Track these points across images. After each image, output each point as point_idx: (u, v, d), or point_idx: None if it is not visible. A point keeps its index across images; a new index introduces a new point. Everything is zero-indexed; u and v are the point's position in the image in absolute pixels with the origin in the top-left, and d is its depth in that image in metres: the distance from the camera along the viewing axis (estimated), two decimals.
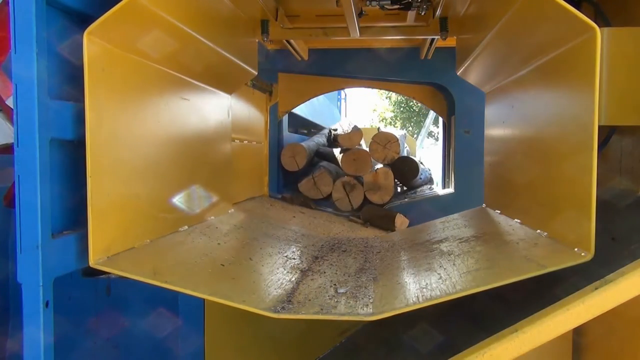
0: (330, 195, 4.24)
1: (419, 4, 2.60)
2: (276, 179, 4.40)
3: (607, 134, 1.88)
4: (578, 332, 2.12)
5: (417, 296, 1.59)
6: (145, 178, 1.82)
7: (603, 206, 1.91)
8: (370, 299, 1.71)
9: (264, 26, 2.86)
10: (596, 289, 1.31)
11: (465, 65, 2.49)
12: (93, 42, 1.48)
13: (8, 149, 2.19)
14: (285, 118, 4.67)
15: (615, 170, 1.94)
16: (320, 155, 5.16)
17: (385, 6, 2.61)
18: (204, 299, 2.46)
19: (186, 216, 2.16)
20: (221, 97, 2.65)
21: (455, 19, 2.73)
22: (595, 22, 1.96)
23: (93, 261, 1.50)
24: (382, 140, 4.46)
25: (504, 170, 2.35)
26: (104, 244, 1.55)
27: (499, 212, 2.36)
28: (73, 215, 1.59)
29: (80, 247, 1.57)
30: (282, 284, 1.86)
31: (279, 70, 4.34)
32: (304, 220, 3.67)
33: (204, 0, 2.08)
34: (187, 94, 2.18)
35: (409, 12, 2.79)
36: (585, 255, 1.39)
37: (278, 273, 1.99)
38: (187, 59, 2.08)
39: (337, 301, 1.70)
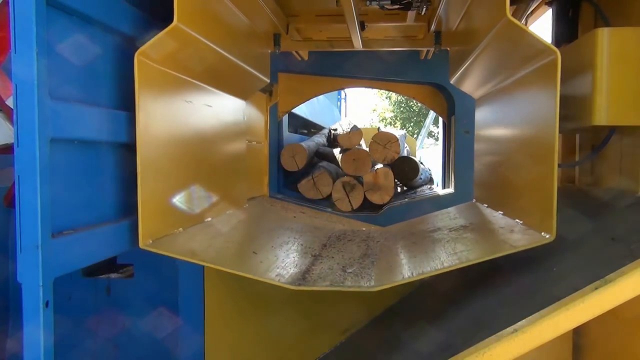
0: (330, 195, 4.23)
1: (419, 3, 2.61)
2: (276, 179, 4.40)
3: (607, 134, 1.88)
4: (578, 332, 2.12)
5: (411, 272, 1.90)
6: (178, 175, 2.07)
7: (603, 206, 1.92)
8: (372, 276, 2.01)
9: (276, 39, 3.16)
10: (596, 289, 1.31)
11: (457, 74, 2.70)
12: (141, 62, 1.74)
13: (8, 149, 2.19)
14: (285, 118, 4.66)
15: (615, 170, 1.94)
16: (320, 155, 5.15)
17: (385, 6, 2.61)
18: (203, 299, 2.56)
19: (209, 209, 2.37)
20: (238, 103, 2.90)
21: (448, 33, 2.93)
22: (595, 22, 1.97)
23: (142, 244, 1.77)
24: (382, 140, 4.45)
25: (489, 169, 2.59)
26: (149, 230, 1.79)
27: (486, 205, 2.56)
28: (73, 215, 1.59)
29: (80, 247, 1.57)
30: (297, 264, 2.16)
31: (279, 70, 4.33)
32: (305, 220, 3.67)
33: (227, 20, 2.34)
34: (210, 101, 2.43)
35: (409, 12, 2.80)
36: (550, 237, 1.63)
37: (294, 256, 2.29)
38: (212, 71, 2.33)
39: (344, 278, 2.00)
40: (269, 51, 3.18)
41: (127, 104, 1.94)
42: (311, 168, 4.48)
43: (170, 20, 1.92)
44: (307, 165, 4.49)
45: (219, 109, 2.57)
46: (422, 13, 2.69)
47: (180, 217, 2.06)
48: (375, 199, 4.14)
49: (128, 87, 1.97)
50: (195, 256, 1.89)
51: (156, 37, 1.73)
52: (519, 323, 1.35)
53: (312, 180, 4.19)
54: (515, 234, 1.85)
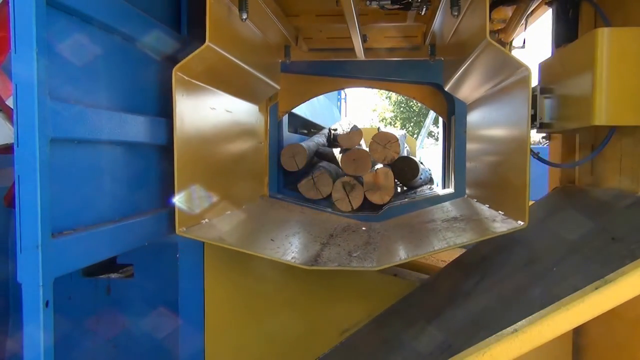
0: (330, 195, 4.22)
1: (418, 4, 2.60)
2: (276, 179, 4.39)
3: (607, 134, 1.88)
4: (578, 332, 2.12)
5: (407, 255, 2.24)
6: (205, 172, 2.35)
7: (603, 206, 1.92)
8: (373, 259, 2.31)
9: (287, 50, 3.48)
10: (596, 289, 1.31)
11: (450, 83, 3.01)
12: (178, 77, 2.05)
13: (8, 149, 2.18)
14: (285, 118, 4.65)
15: (615, 170, 1.94)
16: (320, 155, 5.14)
17: (385, 6, 2.61)
18: (203, 299, 2.61)
19: (229, 203, 2.66)
20: (252, 107, 3.24)
21: (442, 45, 3.25)
22: (595, 22, 1.97)
23: (178, 231, 2.05)
24: (382, 140, 4.43)
25: (478, 168, 2.92)
26: (183, 220, 2.07)
27: (475, 200, 2.88)
28: (73, 215, 1.59)
29: (80, 246, 1.57)
30: (309, 250, 2.46)
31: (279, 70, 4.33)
32: (306, 219, 3.67)
33: (247, 37, 2.65)
34: (230, 107, 2.75)
35: (409, 13, 2.79)
36: (523, 224, 1.92)
37: (306, 244, 2.60)
38: (232, 81, 2.64)
39: (350, 260, 2.31)
40: (280, 61, 3.49)
41: (127, 103, 1.94)
42: (311, 168, 4.47)
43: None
44: (307, 165, 4.48)
45: (237, 114, 2.90)
46: (422, 13, 2.69)
47: (206, 210, 2.33)
48: (375, 199, 4.12)
49: (128, 87, 1.97)
50: (223, 241, 2.20)
51: (191, 55, 2.05)
52: (519, 323, 1.35)
53: (312, 180, 4.16)
54: (496, 223, 2.19)
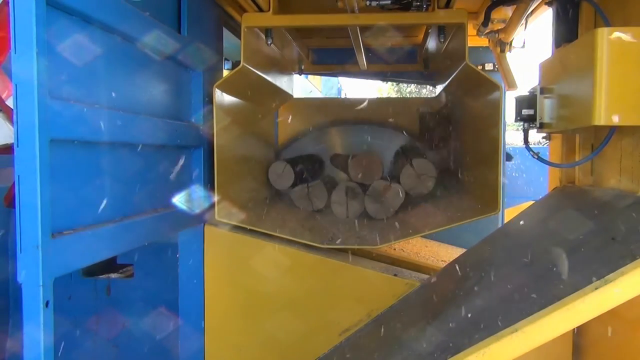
0: (320, 210, 3.73)
1: (418, 4, 2.60)
2: None
3: (607, 134, 1.87)
4: (578, 332, 2.12)
5: (403, 237, 2.82)
6: (235, 171, 2.78)
7: (603, 206, 1.92)
8: (376, 240, 2.77)
9: (300, 65, 4.09)
10: (596, 289, 1.31)
11: (442, 91, 3.58)
12: (218, 92, 2.52)
13: (8, 149, 2.19)
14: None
15: (615, 170, 1.94)
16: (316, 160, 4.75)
17: (386, 6, 2.61)
18: (203, 299, 2.62)
19: (253, 196, 3.18)
20: (272, 114, 3.86)
21: (434, 60, 3.84)
22: (595, 22, 1.98)
23: (218, 217, 2.52)
24: (420, 168, 3.41)
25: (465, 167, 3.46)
26: (220, 209, 2.53)
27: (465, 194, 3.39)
28: (73, 215, 1.59)
29: (80, 246, 1.57)
30: (325, 234, 2.88)
31: None
32: (314, 215, 3.62)
33: (271, 56, 3.17)
34: (254, 115, 3.30)
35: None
36: (496, 211, 2.49)
37: (321, 229, 3.04)
38: (258, 92, 3.13)
39: (357, 241, 2.79)
40: (294, 73, 4.07)
41: (127, 103, 1.94)
42: (308, 176, 3.98)
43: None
44: (301, 175, 4.00)
45: (259, 120, 3.42)
46: (423, 11, 2.68)
47: (236, 202, 2.75)
48: (372, 210, 3.63)
49: (128, 87, 1.98)
50: (254, 225, 2.65)
51: (229, 74, 2.56)
52: (519, 323, 1.35)
53: (307, 189, 3.74)
54: (476, 211, 2.74)
